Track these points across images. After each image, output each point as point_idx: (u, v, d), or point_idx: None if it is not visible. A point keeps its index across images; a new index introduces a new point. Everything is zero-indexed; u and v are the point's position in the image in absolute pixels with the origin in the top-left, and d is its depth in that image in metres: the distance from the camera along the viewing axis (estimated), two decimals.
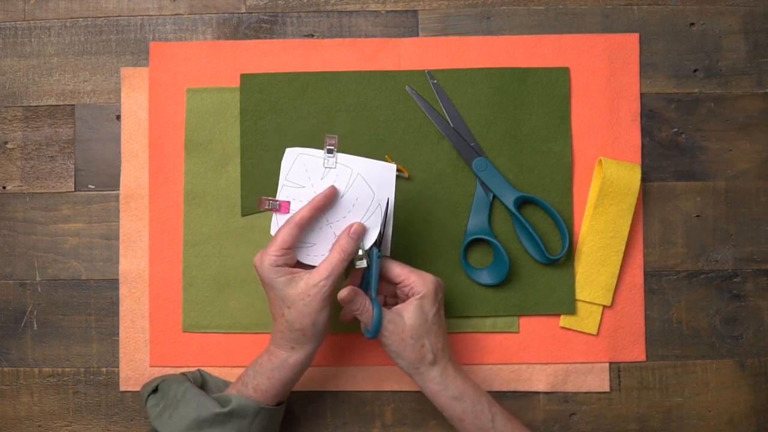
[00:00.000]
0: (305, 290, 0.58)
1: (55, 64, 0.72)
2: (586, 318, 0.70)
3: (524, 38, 0.71)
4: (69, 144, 0.72)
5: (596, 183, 0.70)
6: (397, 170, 0.64)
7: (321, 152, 0.61)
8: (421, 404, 0.70)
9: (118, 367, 0.70)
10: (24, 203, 0.72)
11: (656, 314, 0.70)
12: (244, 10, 0.72)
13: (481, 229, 0.69)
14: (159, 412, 0.61)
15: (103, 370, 0.71)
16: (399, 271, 0.62)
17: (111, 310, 0.71)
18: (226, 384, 0.67)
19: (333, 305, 0.60)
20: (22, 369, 0.71)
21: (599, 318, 0.70)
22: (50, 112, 0.72)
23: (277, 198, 0.61)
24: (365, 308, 0.60)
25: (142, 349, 0.70)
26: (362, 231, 0.61)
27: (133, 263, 0.71)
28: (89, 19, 0.73)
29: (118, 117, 0.72)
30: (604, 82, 0.71)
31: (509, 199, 0.69)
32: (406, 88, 0.70)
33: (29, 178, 0.72)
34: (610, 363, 0.70)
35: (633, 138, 0.71)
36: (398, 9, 0.72)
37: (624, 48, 0.71)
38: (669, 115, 0.71)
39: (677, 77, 0.71)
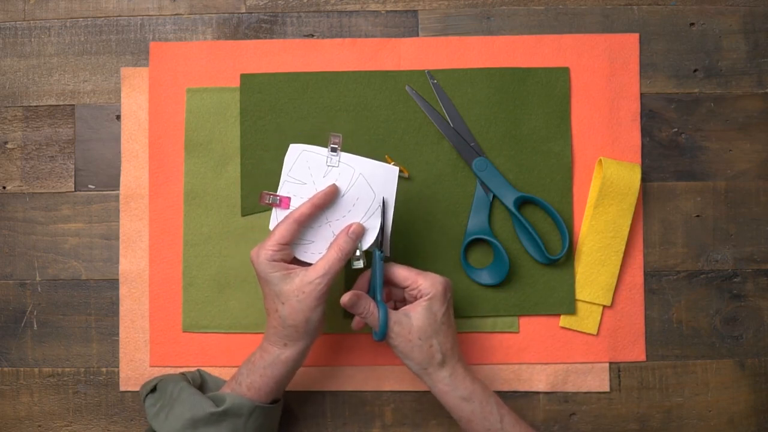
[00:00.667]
0: (300, 287, 0.58)
1: (55, 64, 0.72)
2: (586, 318, 0.70)
3: (524, 38, 0.71)
4: (69, 144, 0.72)
5: (596, 183, 0.70)
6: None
7: (325, 150, 0.61)
8: (421, 404, 0.70)
9: (118, 367, 0.70)
10: (24, 203, 0.72)
11: (656, 314, 0.70)
12: (244, 10, 0.72)
13: (481, 229, 0.69)
14: (156, 411, 0.61)
15: (103, 370, 0.71)
16: (405, 274, 0.62)
17: (111, 310, 0.71)
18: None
19: (328, 305, 0.60)
20: (22, 369, 0.71)
21: (599, 318, 0.70)
22: (50, 112, 0.72)
23: (277, 193, 0.61)
24: (370, 311, 0.59)
25: (142, 349, 0.70)
26: (361, 231, 0.61)
27: (133, 263, 0.71)
28: (89, 19, 0.73)
29: (118, 117, 0.72)
30: (604, 82, 0.71)
31: (509, 199, 0.69)
32: (406, 88, 0.70)
33: (29, 178, 0.72)
34: (610, 363, 0.70)
35: (633, 138, 0.71)
36: (398, 9, 0.72)
37: (624, 48, 0.71)
38: (669, 115, 0.71)
39: (677, 77, 0.71)
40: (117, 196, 0.71)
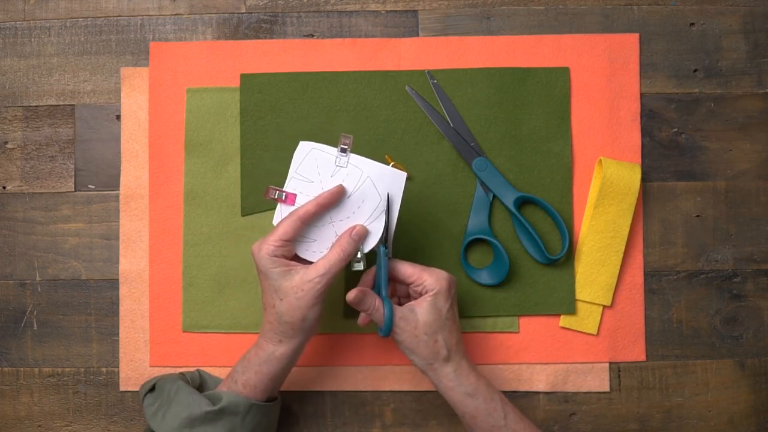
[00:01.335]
0: (299, 284, 0.58)
1: (55, 64, 0.72)
2: (586, 318, 0.70)
3: (524, 38, 0.71)
4: (69, 144, 0.72)
5: (596, 183, 0.70)
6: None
7: (334, 150, 0.61)
8: (421, 404, 0.70)
9: (118, 367, 0.70)
10: (24, 203, 0.72)
11: (656, 314, 0.70)
12: (244, 10, 0.72)
13: (481, 229, 0.69)
14: (154, 411, 0.61)
15: (103, 370, 0.71)
16: (410, 270, 0.62)
17: (111, 310, 0.71)
18: None
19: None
20: (22, 369, 0.71)
21: (599, 318, 0.70)
22: (50, 112, 0.72)
23: (284, 189, 0.61)
24: (375, 307, 0.59)
25: (142, 349, 0.70)
26: (364, 233, 0.61)
27: (133, 263, 0.71)
28: (89, 19, 0.73)
29: (118, 117, 0.72)
30: (604, 82, 0.71)
31: (509, 199, 0.69)
32: (406, 88, 0.70)
33: (29, 178, 0.72)
34: (610, 363, 0.70)
35: (633, 138, 0.71)
36: (398, 9, 0.72)
37: (624, 48, 0.71)
38: (669, 115, 0.71)
39: (677, 77, 0.71)
40: (117, 196, 0.71)
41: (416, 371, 0.69)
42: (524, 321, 0.70)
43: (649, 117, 0.71)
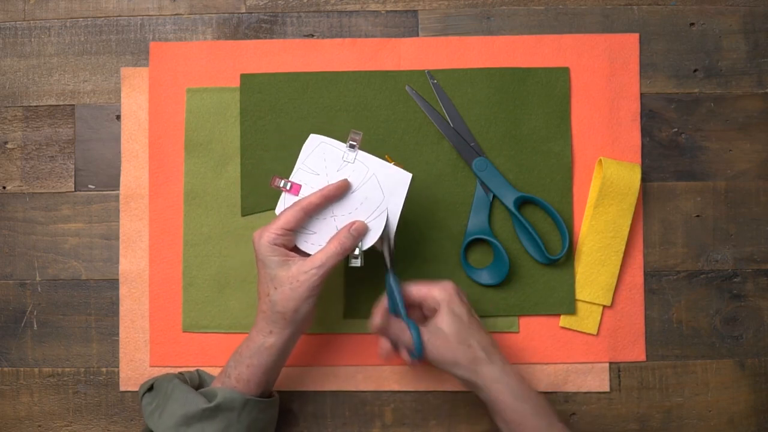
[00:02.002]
0: (295, 275, 0.58)
1: (55, 64, 0.72)
2: (586, 318, 0.70)
3: (524, 38, 0.71)
4: (69, 144, 0.72)
5: (596, 183, 0.70)
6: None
7: (343, 145, 0.61)
8: (421, 404, 0.70)
9: (118, 367, 0.70)
10: (24, 203, 0.72)
11: (656, 314, 0.70)
12: (244, 10, 0.72)
13: (481, 229, 0.69)
14: (152, 410, 0.61)
15: (103, 370, 0.71)
16: (417, 288, 0.62)
17: (111, 310, 0.71)
18: None
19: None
20: (22, 369, 0.71)
21: (599, 318, 0.70)
22: (50, 112, 0.72)
23: (289, 179, 0.62)
24: (401, 329, 0.60)
25: (142, 349, 0.70)
26: (363, 229, 0.61)
27: (133, 263, 0.71)
28: (89, 19, 0.73)
29: (118, 117, 0.72)
30: (604, 82, 0.71)
31: (509, 199, 0.69)
32: (406, 88, 0.70)
33: (29, 178, 0.72)
34: (610, 363, 0.70)
35: (633, 138, 0.71)
36: (398, 9, 0.72)
37: (624, 48, 0.71)
38: (669, 115, 0.71)
39: (677, 77, 0.71)
40: (117, 196, 0.71)
41: (417, 371, 0.69)
42: (524, 321, 0.70)
43: (649, 117, 0.71)
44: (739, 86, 0.71)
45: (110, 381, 0.71)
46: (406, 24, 0.72)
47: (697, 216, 0.71)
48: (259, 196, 0.70)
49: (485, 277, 0.69)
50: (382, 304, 0.63)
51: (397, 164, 0.62)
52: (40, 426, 0.71)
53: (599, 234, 0.69)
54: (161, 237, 0.71)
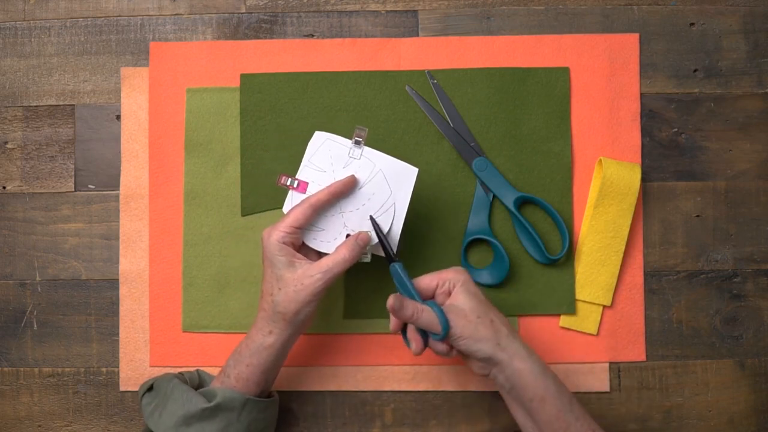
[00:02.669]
0: (300, 278, 0.58)
1: (55, 64, 0.72)
2: (586, 318, 0.70)
3: (524, 38, 0.71)
4: (69, 144, 0.72)
5: (596, 183, 0.70)
6: None
7: (349, 141, 0.62)
8: (421, 404, 0.70)
9: (118, 367, 0.70)
10: (24, 203, 0.72)
11: (656, 314, 0.70)
12: (244, 10, 0.72)
13: (481, 229, 0.69)
14: (151, 410, 0.61)
15: (103, 370, 0.71)
16: (430, 278, 0.61)
17: (111, 310, 0.71)
18: None
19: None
20: (22, 369, 0.71)
21: (599, 318, 0.70)
22: (50, 112, 0.72)
23: (296, 177, 0.62)
24: (419, 310, 0.58)
25: (142, 349, 0.70)
26: (367, 240, 0.61)
27: (133, 263, 0.71)
28: (89, 19, 0.73)
29: (118, 117, 0.72)
30: (604, 82, 0.71)
31: (509, 199, 0.69)
32: (406, 88, 0.70)
33: (29, 178, 0.72)
34: (610, 363, 0.70)
35: (633, 138, 0.71)
36: (398, 9, 0.72)
37: (624, 48, 0.71)
38: (669, 115, 0.71)
39: (677, 77, 0.71)
40: (117, 196, 0.71)
41: (416, 371, 0.69)
42: (524, 321, 0.70)
43: (649, 117, 0.71)
44: (739, 86, 0.71)
45: (110, 381, 0.71)
46: (406, 24, 0.72)
47: (697, 216, 0.71)
48: (259, 196, 0.70)
49: (485, 277, 0.69)
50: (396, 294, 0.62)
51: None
52: (40, 426, 0.71)
53: (599, 234, 0.69)
54: (161, 237, 0.71)
